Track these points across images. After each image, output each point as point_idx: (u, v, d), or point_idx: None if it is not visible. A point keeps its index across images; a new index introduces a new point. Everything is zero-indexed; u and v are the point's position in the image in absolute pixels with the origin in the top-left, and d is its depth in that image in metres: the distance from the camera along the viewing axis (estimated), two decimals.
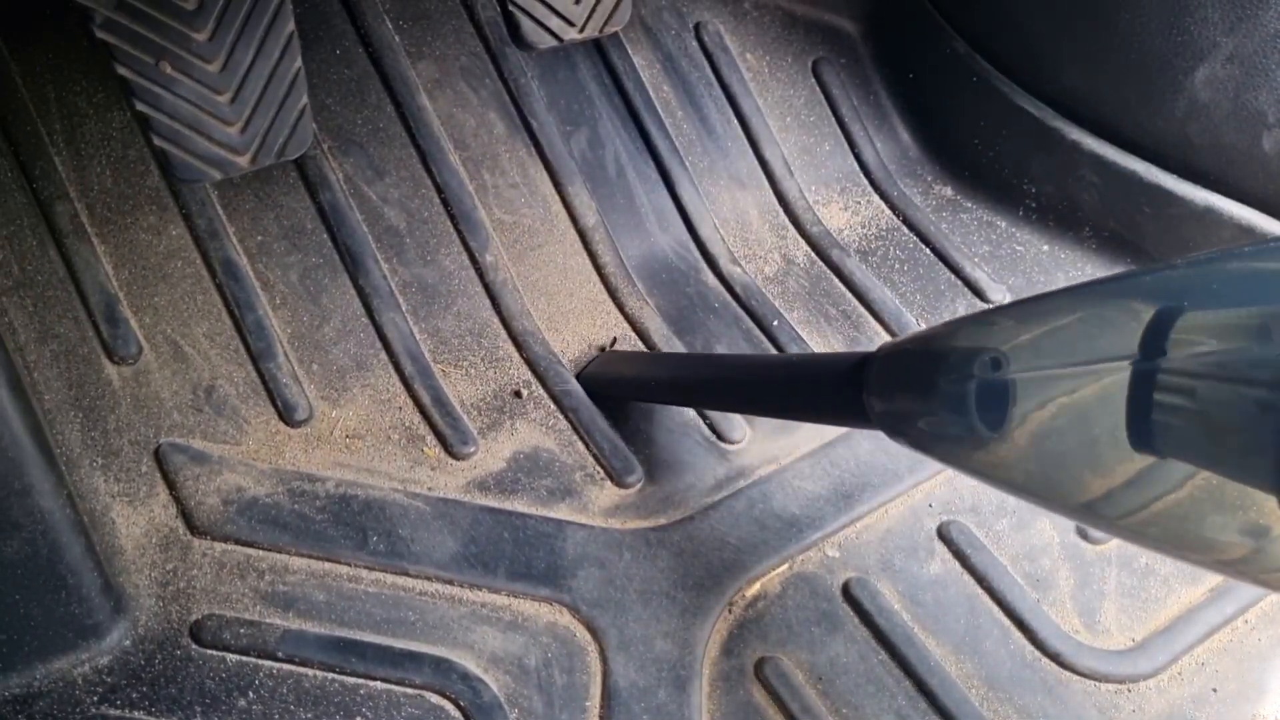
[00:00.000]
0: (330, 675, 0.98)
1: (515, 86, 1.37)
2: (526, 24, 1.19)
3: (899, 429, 0.85)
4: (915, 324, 1.34)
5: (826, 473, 1.18)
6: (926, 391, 0.81)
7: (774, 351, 1.30)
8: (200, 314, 1.17)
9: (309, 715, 0.95)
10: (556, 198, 1.35)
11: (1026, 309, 0.77)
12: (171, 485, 1.07)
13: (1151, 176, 1.33)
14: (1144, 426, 0.64)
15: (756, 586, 1.10)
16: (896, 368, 0.86)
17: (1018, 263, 1.42)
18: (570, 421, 1.20)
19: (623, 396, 1.22)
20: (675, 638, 1.04)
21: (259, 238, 1.22)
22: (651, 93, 1.43)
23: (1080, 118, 1.39)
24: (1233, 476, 0.62)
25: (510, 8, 1.19)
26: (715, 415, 1.22)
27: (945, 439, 0.80)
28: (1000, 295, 1.37)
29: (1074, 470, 0.71)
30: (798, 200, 1.45)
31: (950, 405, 0.78)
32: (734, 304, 1.34)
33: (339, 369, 1.20)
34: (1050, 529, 1.16)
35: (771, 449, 1.21)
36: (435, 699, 0.98)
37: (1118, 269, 1.40)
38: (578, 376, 1.23)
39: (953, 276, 1.40)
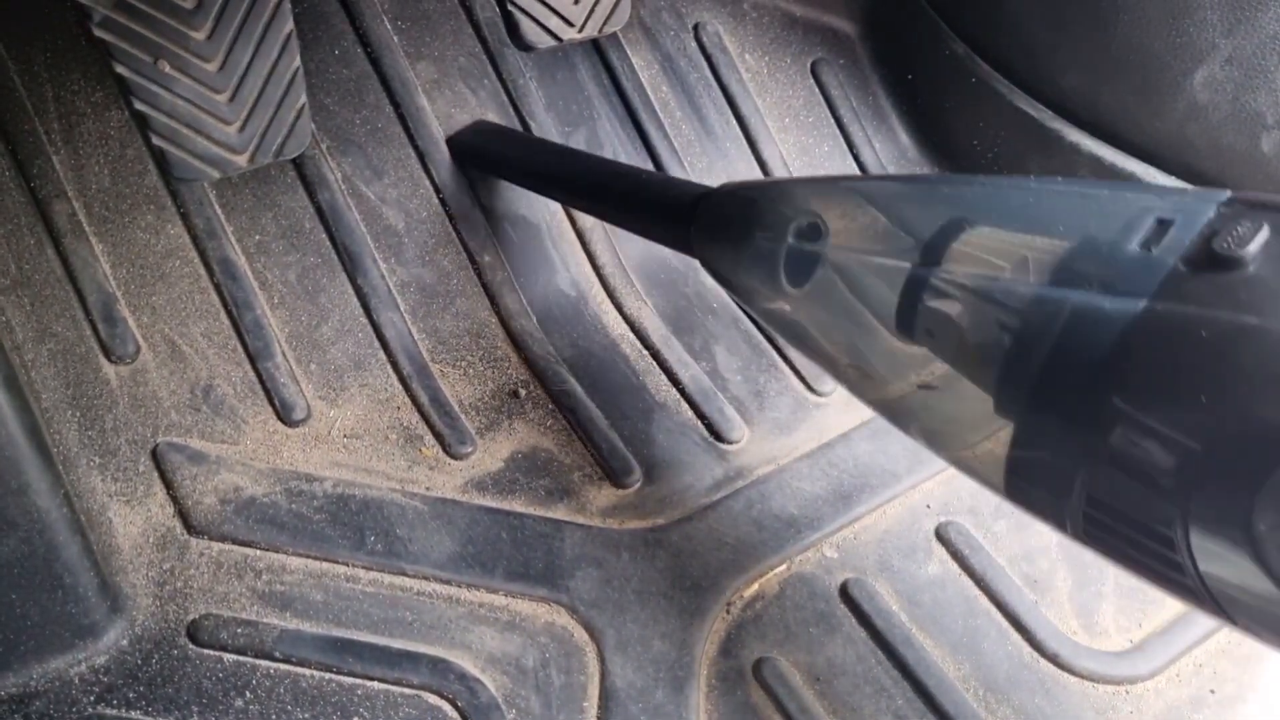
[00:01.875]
0: (327, 675, 0.98)
1: (514, 87, 1.37)
2: (525, 24, 1.19)
3: (713, 267, 0.95)
4: None
5: (825, 473, 1.18)
6: (742, 242, 0.89)
7: (774, 351, 1.30)
8: (198, 313, 1.17)
9: (306, 715, 0.95)
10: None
11: (849, 186, 0.84)
12: (169, 484, 1.07)
13: (1150, 178, 1.33)
14: (909, 319, 0.73)
15: (754, 587, 1.09)
16: (723, 212, 0.94)
17: None
18: (568, 422, 1.20)
19: (487, 170, 1.29)
20: (673, 638, 1.04)
21: (257, 237, 1.22)
22: (650, 93, 1.43)
23: (1079, 119, 1.39)
24: (967, 376, 0.70)
25: (509, 8, 1.19)
26: (714, 416, 1.22)
27: (750, 287, 0.89)
28: None
29: (849, 338, 0.79)
30: None
31: (760, 260, 0.86)
32: (732, 304, 1.34)
33: (337, 369, 1.19)
34: (1049, 530, 1.16)
35: (770, 449, 1.21)
36: (433, 699, 0.98)
37: None
38: (448, 140, 1.28)
39: None
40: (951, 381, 0.71)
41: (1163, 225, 0.61)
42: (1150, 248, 0.61)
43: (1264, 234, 0.58)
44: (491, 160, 1.28)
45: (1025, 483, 0.69)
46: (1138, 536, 0.62)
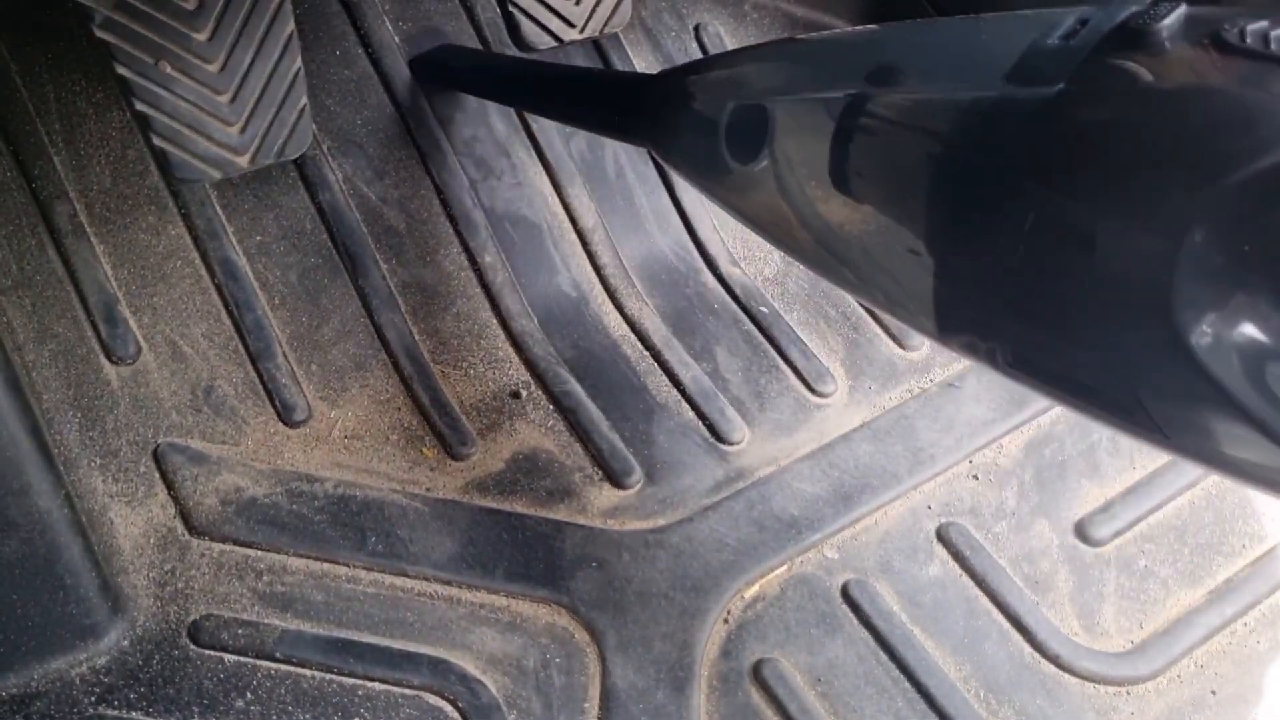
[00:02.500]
0: (328, 676, 0.98)
1: None
2: (526, 25, 1.19)
3: (662, 148, 0.94)
4: None
5: (825, 474, 1.18)
6: (684, 116, 0.88)
7: (775, 353, 1.30)
8: (199, 314, 1.17)
9: (307, 716, 0.95)
10: (556, 199, 1.35)
11: (779, 49, 0.86)
12: (170, 485, 1.07)
13: None
14: (841, 167, 0.70)
15: (755, 588, 1.09)
16: (666, 92, 0.93)
17: None
18: (569, 423, 1.20)
19: (448, 86, 1.32)
20: (674, 639, 1.04)
21: (258, 238, 1.22)
22: None
23: None
24: (896, 214, 0.68)
25: (510, 9, 1.19)
26: (715, 417, 1.22)
27: (698, 164, 0.87)
28: None
29: (792, 203, 0.77)
30: None
31: (702, 129, 0.85)
32: (733, 305, 1.34)
33: (338, 369, 1.19)
34: (1050, 531, 1.16)
35: (770, 450, 1.21)
36: (433, 700, 0.98)
37: None
38: (410, 61, 1.30)
39: None
40: (883, 226, 0.69)
41: (1083, 23, 0.60)
42: (1069, 40, 0.59)
43: (1180, 9, 0.55)
44: (451, 76, 1.32)
45: (953, 311, 0.65)
46: (1067, 349, 0.58)
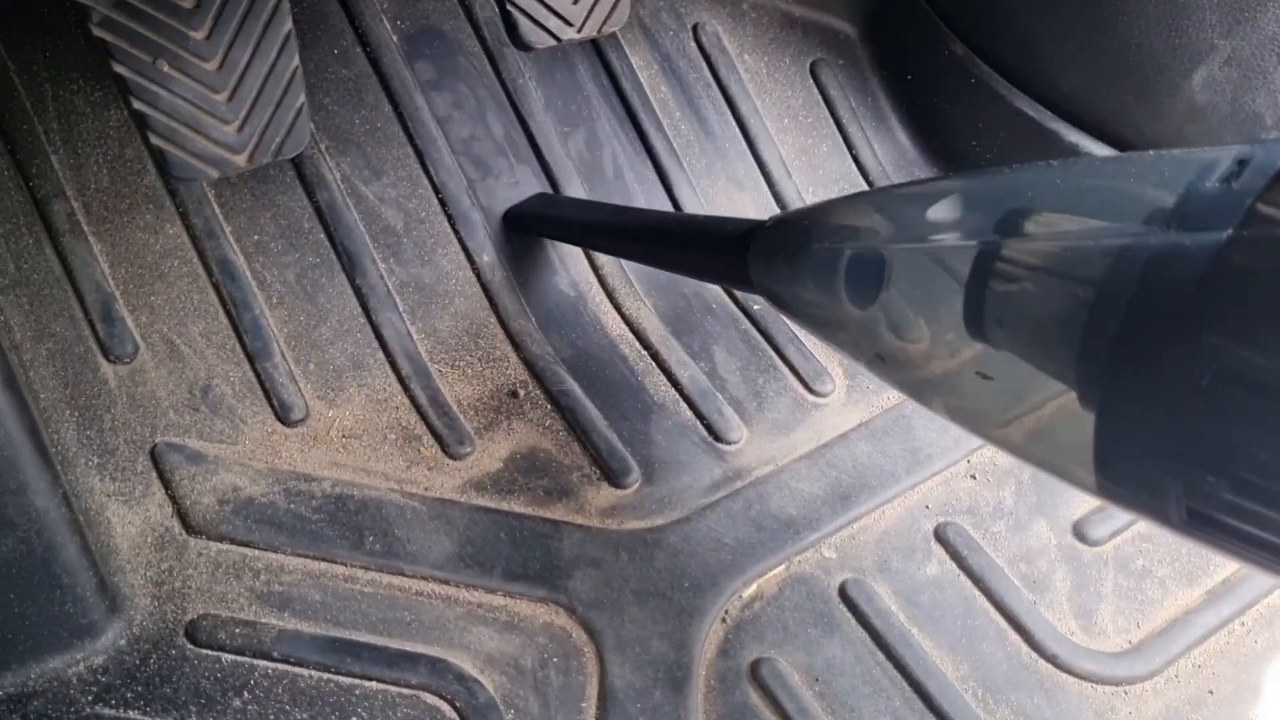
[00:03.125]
0: (326, 675, 0.97)
1: (513, 87, 1.36)
2: (524, 24, 1.19)
3: (777, 296, 0.93)
4: None
5: (824, 474, 1.18)
6: (799, 261, 0.87)
7: (772, 352, 1.30)
8: (197, 313, 1.17)
9: (304, 715, 0.95)
10: None
11: (898, 194, 0.82)
12: (167, 484, 1.07)
13: None
14: (977, 313, 0.68)
15: (753, 587, 1.09)
16: (778, 236, 0.92)
17: None
18: (567, 422, 1.20)
19: (541, 235, 1.32)
20: (672, 639, 1.04)
21: (256, 237, 1.22)
22: (649, 93, 1.43)
23: (1078, 120, 1.38)
24: (1045, 364, 0.64)
25: (508, 8, 1.19)
26: (713, 416, 1.22)
27: (817, 312, 0.86)
28: None
29: (918, 346, 0.74)
30: (795, 202, 1.45)
31: (819, 276, 0.83)
32: (731, 304, 1.34)
33: (335, 369, 1.19)
34: (1048, 531, 1.16)
35: (769, 450, 1.21)
36: (431, 699, 0.98)
37: None
38: (504, 215, 1.31)
39: None
40: (1028, 377, 0.66)
41: (1241, 164, 0.56)
42: (1230, 183, 0.56)
43: None
44: (545, 226, 1.32)
45: (1118, 467, 0.62)
46: (1257, 506, 0.54)
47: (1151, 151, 0.65)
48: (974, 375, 0.70)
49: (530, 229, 1.31)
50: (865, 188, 1.49)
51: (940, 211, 0.76)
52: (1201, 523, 0.56)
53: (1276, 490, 0.53)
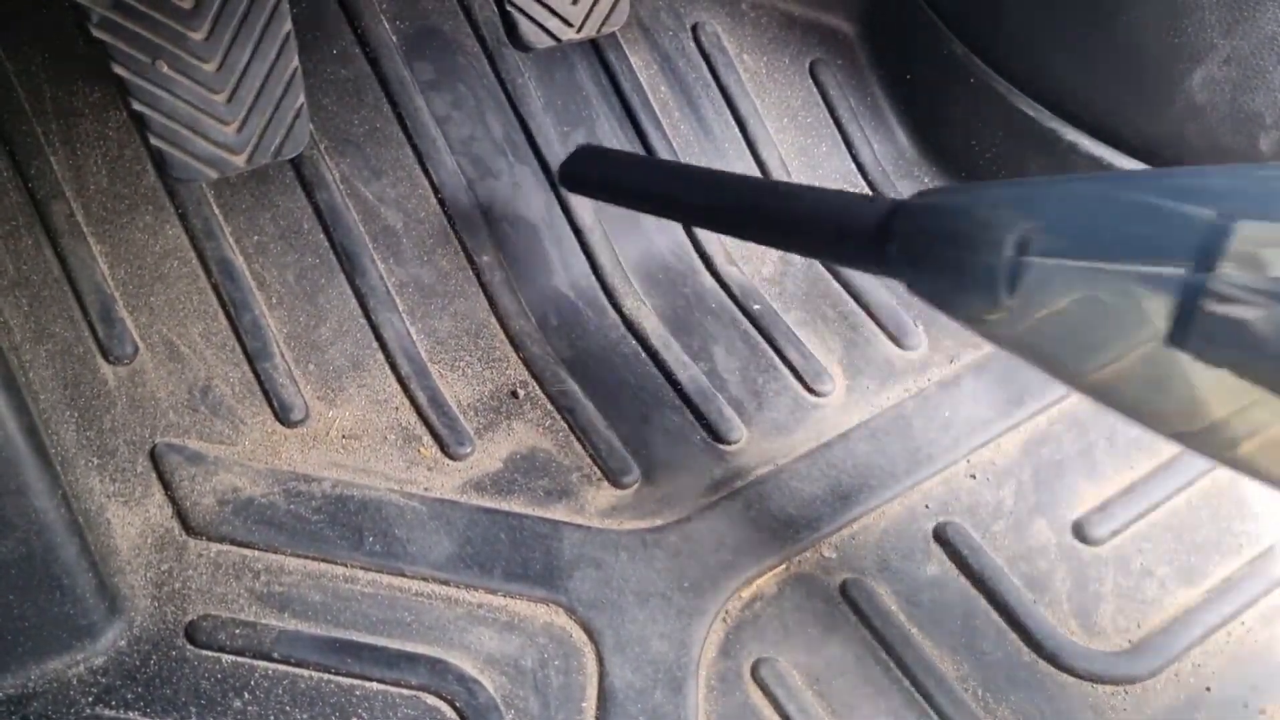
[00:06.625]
0: (326, 676, 0.97)
1: (512, 87, 1.36)
2: (524, 24, 1.19)
3: (918, 286, 0.88)
4: (913, 325, 1.33)
5: (824, 474, 1.18)
6: (954, 259, 0.81)
7: (772, 352, 1.29)
8: (196, 314, 1.17)
9: (304, 716, 0.95)
10: (554, 198, 1.35)
11: (1068, 189, 0.78)
12: (167, 485, 1.07)
13: None
14: (1187, 331, 0.65)
15: (753, 587, 1.09)
16: (925, 226, 0.86)
17: None
18: (567, 422, 1.20)
19: (603, 197, 1.22)
20: (672, 639, 1.04)
21: (255, 237, 1.22)
22: (649, 93, 1.43)
23: (1078, 119, 1.38)
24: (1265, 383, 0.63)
25: (507, 8, 1.19)
26: (713, 417, 1.22)
27: (965, 304, 0.81)
28: None
29: (1106, 353, 0.72)
30: None
31: (977, 276, 0.78)
32: (731, 305, 1.34)
33: (335, 369, 1.19)
34: (1047, 530, 1.16)
35: (768, 450, 1.21)
36: (431, 700, 0.98)
37: None
38: (559, 170, 1.20)
39: None
40: (1240, 390, 0.64)
41: None
42: None
43: None
44: (612, 190, 1.20)
45: None
46: None
47: None
48: (1169, 381, 0.68)
49: (590, 190, 1.22)
50: (865, 187, 1.49)
51: (1134, 224, 0.71)
52: None
53: None
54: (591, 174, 1.21)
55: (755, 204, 1.06)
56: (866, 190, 1.49)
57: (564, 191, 1.34)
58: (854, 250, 0.95)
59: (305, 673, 0.97)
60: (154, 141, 1.03)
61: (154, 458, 1.08)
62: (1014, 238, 0.76)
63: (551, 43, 1.21)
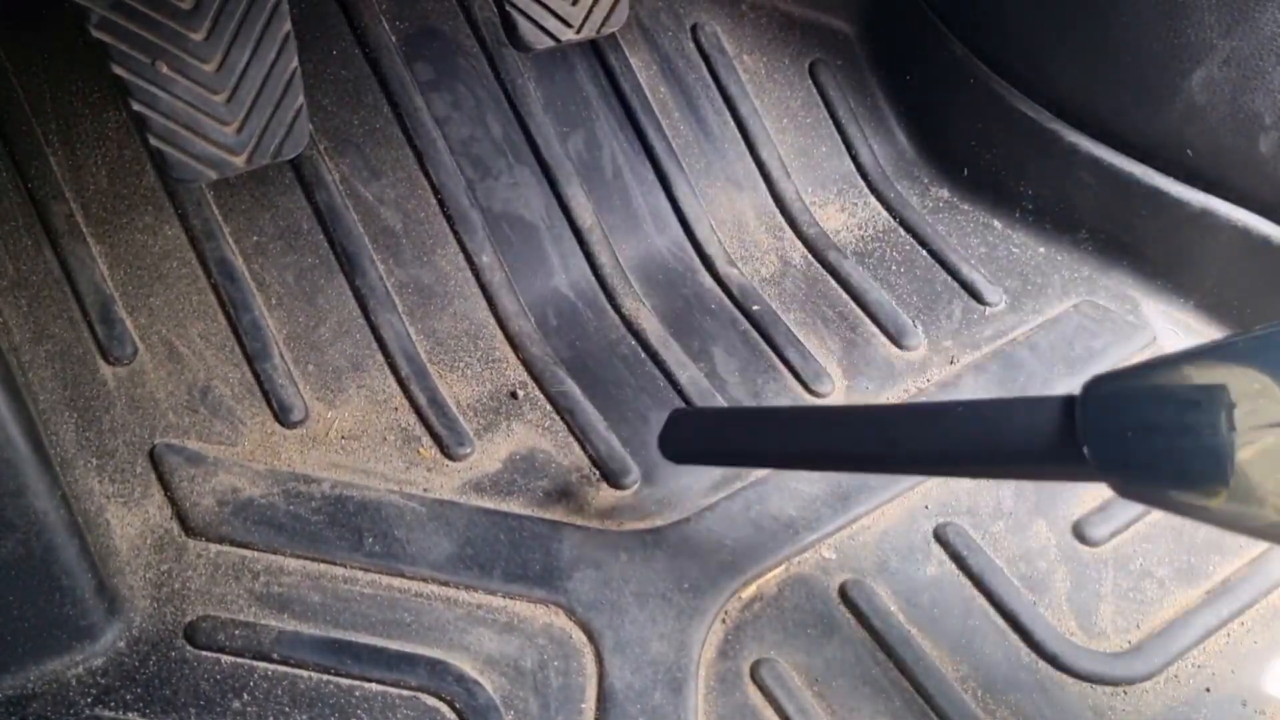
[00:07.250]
0: (325, 677, 0.97)
1: (512, 87, 1.36)
2: (523, 25, 1.19)
3: (1131, 488, 0.78)
4: (912, 325, 1.33)
5: (823, 474, 1.18)
6: (1166, 449, 0.74)
7: (772, 353, 1.29)
8: (196, 314, 1.17)
9: (304, 717, 0.95)
10: (553, 199, 1.35)
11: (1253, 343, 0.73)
12: (166, 486, 1.07)
13: (1148, 179, 1.33)
14: None
15: (753, 588, 1.09)
16: (1122, 420, 0.76)
17: (1014, 265, 1.42)
18: (566, 423, 1.20)
19: (712, 462, 1.13)
20: (671, 640, 1.04)
21: (255, 238, 1.22)
22: (648, 94, 1.43)
23: (1077, 120, 1.39)
24: None
25: (507, 8, 1.18)
26: None
27: (1189, 492, 0.74)
28: (997, 297, 1.37)
29: None
30: (794, 202, 1.45)
31: (1202, 460, 0.71)
32: (730, 305, 1.34)
33: (335, 370, 1.19)
34: (1047, 531, 1.16)
35: None
36: (431, 701, 0.98)
37: (1114, 271, 1.40)
38: (659, 441, 1.09)
39: (949, 278, 1.40)
40: None
41: None
42: None
43: None
44: (722, 451, 1.10)
45: None
46: None
47: None
48: None
49: (696, 459, 1.11)
50: (864, 187, 1.49)
51: None
52: None
53: None
54: (696, 442, 1.10)
55: (907, 436, 0.94)
56: (865, 191, 1.49)
57: (564, 193, 1.34)
58: (1040, 464, 0.84)
59: (305, 673, 0.97)
60: (153, 142, 1.03)
61: (153, 458, 1.08)
62: (1226, 412, 0.70)
63: (551, 43, 1.21)
